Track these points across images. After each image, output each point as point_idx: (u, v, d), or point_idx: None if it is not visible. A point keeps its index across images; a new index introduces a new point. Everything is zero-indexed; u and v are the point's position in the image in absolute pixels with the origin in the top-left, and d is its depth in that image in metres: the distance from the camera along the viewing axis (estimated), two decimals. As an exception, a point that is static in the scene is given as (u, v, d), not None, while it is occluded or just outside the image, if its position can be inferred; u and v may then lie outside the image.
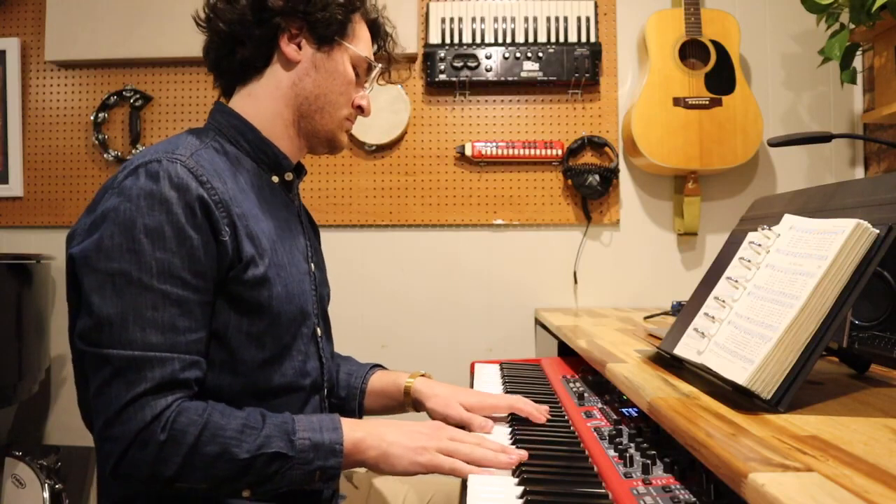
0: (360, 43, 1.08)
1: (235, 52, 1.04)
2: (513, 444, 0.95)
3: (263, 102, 1.05)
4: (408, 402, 1.18)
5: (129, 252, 0.84)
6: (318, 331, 1.10)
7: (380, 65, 1.12)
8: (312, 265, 1.12)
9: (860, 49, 2.00)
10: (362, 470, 1.30)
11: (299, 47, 1.04)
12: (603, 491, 0.77)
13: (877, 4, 1.66)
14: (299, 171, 1.13)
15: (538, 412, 1.04)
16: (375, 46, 1.14)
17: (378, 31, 1.14)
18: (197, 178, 0.89)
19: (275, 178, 1.07)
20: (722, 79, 2.17)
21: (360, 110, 1.11)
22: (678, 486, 0.74)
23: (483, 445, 0.89)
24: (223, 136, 1.03)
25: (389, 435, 0.90)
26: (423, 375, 1.19)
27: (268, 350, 0.97)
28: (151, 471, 0.82)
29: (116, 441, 0.82)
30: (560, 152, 2.33)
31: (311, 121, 1.07)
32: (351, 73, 1.07)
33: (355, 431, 0.89)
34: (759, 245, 0.91)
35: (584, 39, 2.31)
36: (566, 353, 1.61)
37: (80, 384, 0.96)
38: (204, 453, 0.83)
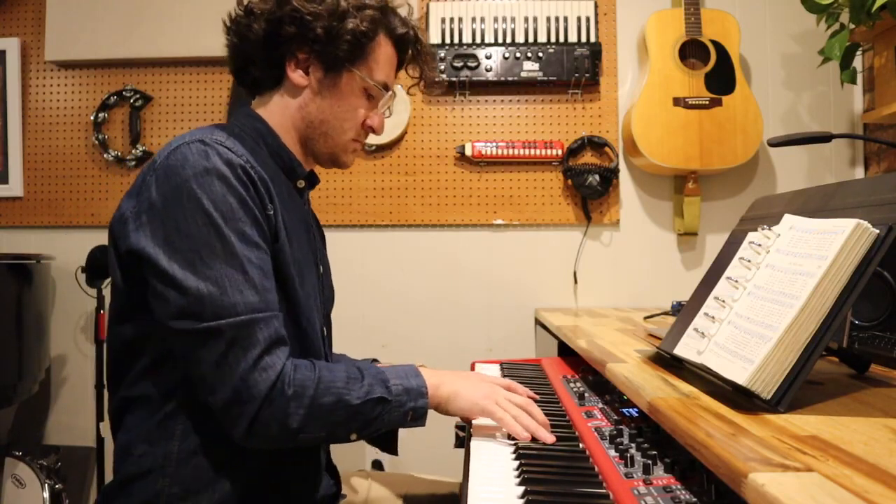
0: (378, 65, 1.07)
1: (248, 70, 1.06)
2: (513, 442, 0.95)
3: (275, 118, 1.07)
4: None
5: (205, 226, 0.88)
6: (325, 331, 1.11)
7: (391, 91, 1.10)
8: (321, 268, 1.15)
9: (860, 49, 2.00)
10: (362, 470, 1.31)
11: (307, 73, 1.05)
12: (604, 491, 0.77)
13: (877, 4, 1.66)
14: (312, 179, 1.14)
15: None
16: (398, 60, 1.12)
17: (405, 46, 1.11)
18: (239, 157, 0.92)
19: None
20: (722, 79, 2.17)
21: (372, 130, 1.11)
22: (679, 487, 0.75)
23: (532, 414, 0.99)
24: (242, 137, 1.03)
25: (459, 381, 1.03)
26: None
27: (298, 341, 0.99)
28: (281, 426, 0.88)
29: (248, 404, 0.87)
30: (560, 152, 2.33)
31: (314, 143, 1.09)
32: (359, 99, 1.07)
33: (432, 378, 1.01)
34: (759, 245, 0.91)
35: (584, 39, 2.31)
36: (566, 353, 1.61)
37: (124, 371, 0.97)
38: (322, 403, 0.91)
